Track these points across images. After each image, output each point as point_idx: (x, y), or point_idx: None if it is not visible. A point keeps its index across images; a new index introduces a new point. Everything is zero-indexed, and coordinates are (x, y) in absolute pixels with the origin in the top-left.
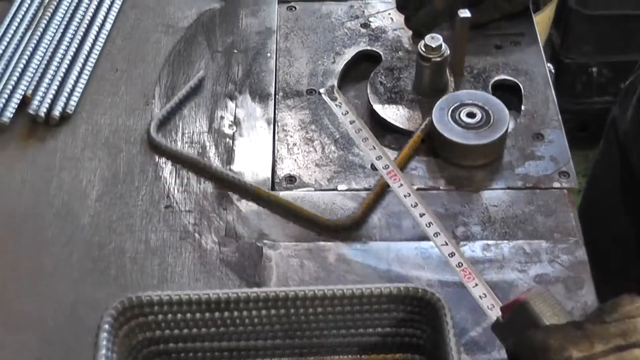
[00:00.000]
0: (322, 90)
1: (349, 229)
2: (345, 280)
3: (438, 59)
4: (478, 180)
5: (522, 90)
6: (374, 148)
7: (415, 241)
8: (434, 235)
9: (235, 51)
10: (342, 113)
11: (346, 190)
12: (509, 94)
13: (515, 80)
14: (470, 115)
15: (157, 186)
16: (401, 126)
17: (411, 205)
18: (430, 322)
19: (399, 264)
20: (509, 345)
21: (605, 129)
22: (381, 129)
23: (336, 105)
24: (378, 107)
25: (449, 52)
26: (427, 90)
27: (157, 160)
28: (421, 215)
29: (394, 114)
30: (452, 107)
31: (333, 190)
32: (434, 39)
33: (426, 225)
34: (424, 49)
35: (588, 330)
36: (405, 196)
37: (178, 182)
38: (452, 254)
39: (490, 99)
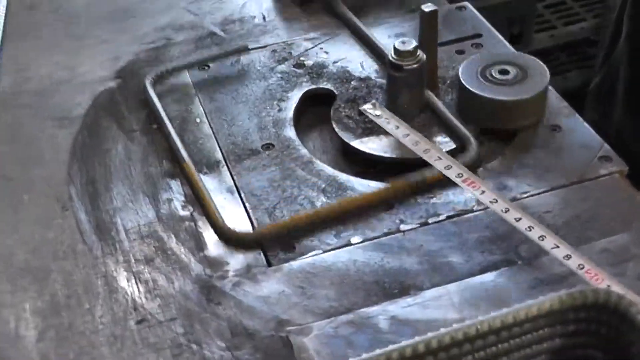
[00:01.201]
0: (364, 107)
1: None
2: None
3: (415, 65)
4: (512, 190)
5: None
6: (440, 158)
7: (478, 274)
8: (539, 239)
9: (156, 125)
10: (394, 127)
11: (363, 241)
12: None
13: None
14: (503, 72)
15: (116, 300)
16: (395, 156)
17: (502, 210)
18: (615, 341)
19: (472, 307)
20: None
21: None
22: (367, 166)
23: (385, 120)
24: (356, 143)
25: (425, 57)
26: (406, 108)
27: (104, 269)
28: (517, 219)
29: (380, 146)
30: (480, 69)
31: (347, 245)
32: (405, 43)
33: (526, 229)
34: (395, 57)
35: None
36: (491, 202)
37: (143, 289)
38: (568, 257)
39: (521, 56)
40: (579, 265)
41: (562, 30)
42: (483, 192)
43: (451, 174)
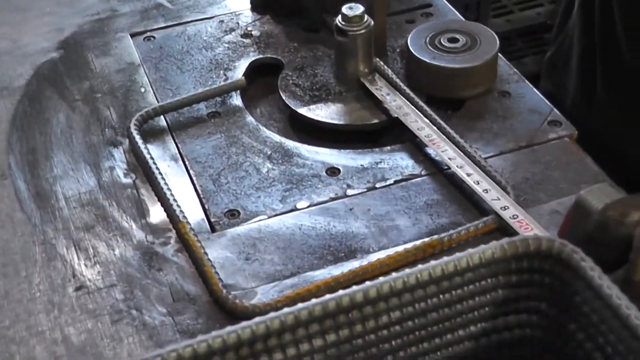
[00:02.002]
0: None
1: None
2: None
3: (362, 31)
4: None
5: None
6: (416, 121)
7: (426, 237)
8: (483, 191)
9: (99, 95)
10: (383, 94)
11: (309, 206)
12: None
13: None
14: (453, 40)
15: (55, 268)
16: (341, 122)
17: (457, 166)
18: (559, 292)
19: None
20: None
21: None
22: (317, 134)
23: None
24: (304, 110)
25: (372, 23)
26: (354, 75)
27: (43, 237)
28: (468, 174)
29: (327, 113)
30: (430, 37)
31: (293, 211)
32: (352, 9)
33: (475, 183)
34: (342, 22)
35: None
36: (450, 159)
37: (82, 256)
38: (505, 207)
39: (471, 24)
40: (512, 215)
41: (518, 15)
42: (445, 150)
43: (421, 134)
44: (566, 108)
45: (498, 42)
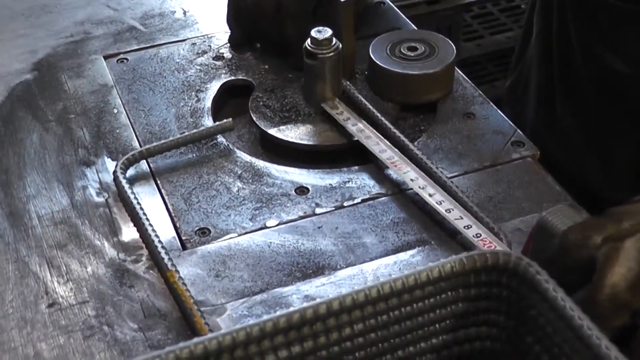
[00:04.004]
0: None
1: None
2: None
3: (331, 54)
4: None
5: None
6: (378, 143)
7: (392, 255)
8: (446, 211)
9: (73, 116)
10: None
11: (278, 224)
12: None
13: None
14: (412, 49)
15: (28, 285)
16: (310, 143)
17: (419, 187)
18: (516, 305)
19: None
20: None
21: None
22: (287, 154)
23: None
24: (274, 131)
25: (341, 45)
26: (323, 97)
27: (15, 255)
28: (431, 195)
29: (297, 133)
30: (389, 45)
31: (262, 229)
32: (321, 32)
33: (437, 203)
34: (311, 45)
35: (612, 213)
36: (412, 180)
37: (55, 273)
38: (468, 226)
39: (429, 34)
40: (476, 234)
41: (488, 40)
42: (407, 172)
43: (383, 157)
44: (526, 134)
45: (455, 50)
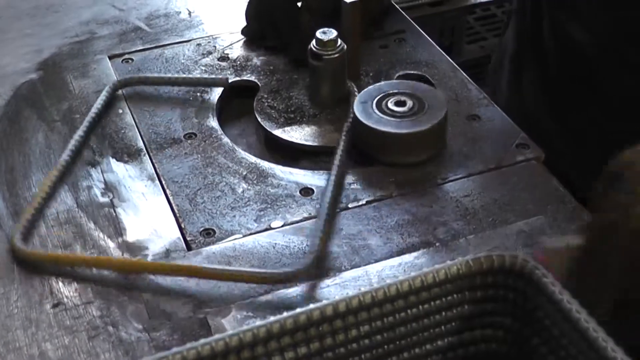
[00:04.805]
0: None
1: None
2: None
3: (335, 56)
4: (432, 176)
5: (431, 80)
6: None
7: (396, 257)
8: None
9: (78, 116)
10: None
11: (283, 225)
12: None
13: (420, 72)
14: (400, 103)
15: (33, 285)
16: (315, 144)
17: None
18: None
19: None
20: None
21: None
22: (292, 155)
23: None
24: (279, 132)
25: (345, 47)
26: (328, 98)
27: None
28: None
29: (301, 134)
30: (376, 99)
31: (267, 230)
32: (326, 33)
33: None
34: (316, 46)
35: None
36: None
37: (61, 273)
38: None
39: (418, 86)
40: None
41: (492, 42)
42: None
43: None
44: (500, 107)
45: (446, 105)
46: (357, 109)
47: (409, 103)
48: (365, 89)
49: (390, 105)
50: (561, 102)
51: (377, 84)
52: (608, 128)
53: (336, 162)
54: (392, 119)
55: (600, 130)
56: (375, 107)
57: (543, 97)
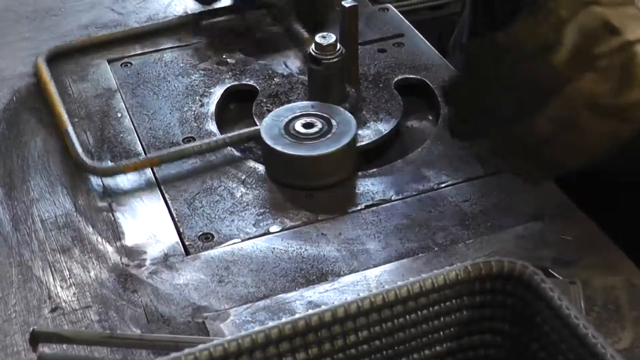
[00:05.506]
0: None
1: None
2: None
3: (334, 59)
4: (430, 180)
5: (430, 84)
6: None
7: (395, 261)
8: None
9: (76, 119)
10: None
11: (282, 230)
12: (411, 94)
13: (418, 77)
14: (308, 125)
15: (31, 289)
16: None
17: None
18: (521, 312)
19: None
20: None
21: None
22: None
23: None
24: None
25: (344, 50)
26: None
27: (19, 259)
28: None
29: None
30: (285, 122)
31: (266, 234)
32: (325, 37)
33: None
34: (315, 50)
35: None
36: None
37: (58, 277)
38: None
39: (327, 107)
40: None
41: None
42: None
43: None
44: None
45: (355, 126)
46: (264, 134)
47: (318, 125)
48: (273, 112)
49: (298, 127)
50: None
51: (285, 106)
52: None
53: None
54: (299, 141)
55: None
56: (283, 130)
57: None
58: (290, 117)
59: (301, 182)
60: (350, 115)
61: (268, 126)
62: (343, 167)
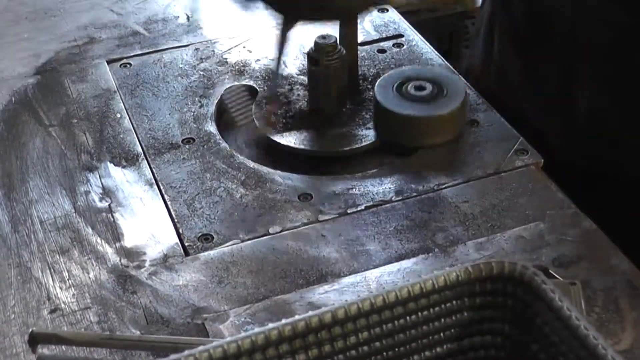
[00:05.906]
0: None
1: None
2: None
3: (334, 61)
4: (430, 181)
5: None
6: None
7: (395, 262)
8: None
9: (75, 120)
10: None
11: (281, 231)
12: None
13: None
14: (419, 88)
15: (30, 290)
16: (314, 149)
17: None
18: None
19: None
20: None
21: None
22: (291, 160)
23: None
24: (277, 137)
25: (344, 51)
26: (327, 103)
27: (18, 260)
28: None
29: (300, 139)
30: (397, 84)
31: (265, 235)
32: (325, 38)
33: None
34: (314, 52)
35: None
36: None
37: (57, 278)
38: None
39: (439, 72)
40: None
41: None
42: None
43: None
44: (470, 80)
45: (465, 90)
46: (379, 95)
47: (429, 87)
48: (386, 74)
49: (411, 90)
50: (526, 45)
51: (397, 69)
52: (565, 65)
53: None
54: (412, 102)
55: (557, 67)
56: (395, 92)
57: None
58: (397, 83)
59: (411, 141)
60: (460, 79)
61: (382, 87)
62: (449, 129)
